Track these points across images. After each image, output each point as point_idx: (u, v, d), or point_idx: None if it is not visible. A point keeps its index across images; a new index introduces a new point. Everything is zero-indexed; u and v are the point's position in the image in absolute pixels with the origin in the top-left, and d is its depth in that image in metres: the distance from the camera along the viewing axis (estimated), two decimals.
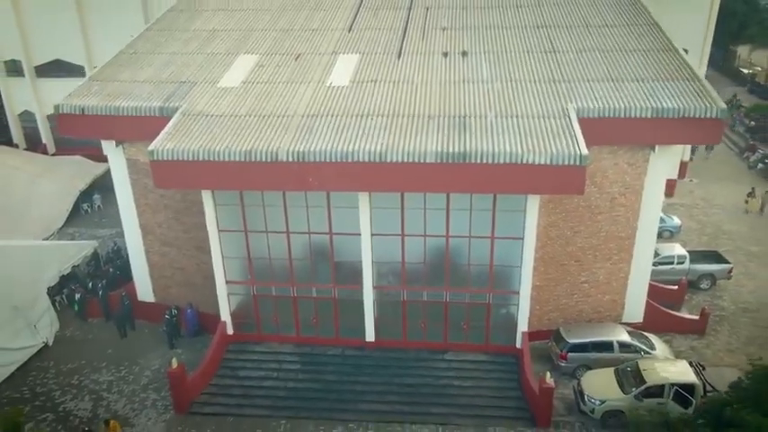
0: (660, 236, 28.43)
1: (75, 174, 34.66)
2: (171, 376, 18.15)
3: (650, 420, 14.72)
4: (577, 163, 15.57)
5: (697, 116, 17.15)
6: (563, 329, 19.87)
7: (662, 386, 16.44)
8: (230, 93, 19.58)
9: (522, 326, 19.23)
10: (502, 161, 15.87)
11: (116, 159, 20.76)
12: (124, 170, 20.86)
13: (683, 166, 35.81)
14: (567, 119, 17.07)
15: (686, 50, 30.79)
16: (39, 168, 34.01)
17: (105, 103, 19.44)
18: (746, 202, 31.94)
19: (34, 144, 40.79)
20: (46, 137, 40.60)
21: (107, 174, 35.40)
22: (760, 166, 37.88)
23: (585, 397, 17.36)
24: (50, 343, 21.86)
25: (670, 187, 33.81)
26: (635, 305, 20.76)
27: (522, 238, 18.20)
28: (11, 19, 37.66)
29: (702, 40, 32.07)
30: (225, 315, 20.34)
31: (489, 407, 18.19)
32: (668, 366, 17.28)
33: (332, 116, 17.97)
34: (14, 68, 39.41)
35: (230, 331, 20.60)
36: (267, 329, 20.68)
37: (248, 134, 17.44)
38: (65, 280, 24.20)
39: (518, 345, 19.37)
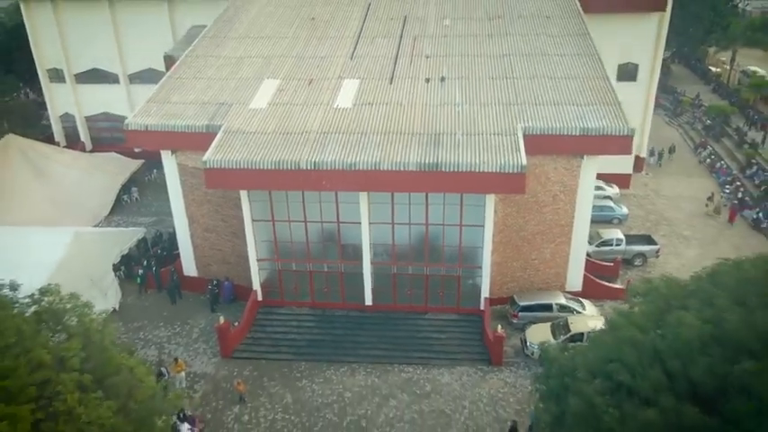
0: (610, 222, 34.58)
1: (115, 169, 40.34)
2: (219, 330, 24.14)
3: (555, 348, 19.77)
4: (518, 171, 21.34)
5: (613, 134, 22.89)
6: (516, 295, 25.82)
7: (582, 333, 22.28)
8: (259, 113, 25.26)
9: (485, 292, 25.17)
10: (464, 170, 21.64)
11: (170, 164, 26.47)
12: (176, 173, 26.58)
13: (640, 162, 41.35)
14: (515, 136, 22.79)
15: (637, 65, 36.66)
16: (85, 165, 39.64)
17: (163, 121, 25.14)
18: (707, 205, 35.91)
19: (73, 142, 46.18)
20: (84, 135, 46.03)
21: (141, 169, 41.39)
22: (708, 160, 43.52)
23: (528, 343, 23.32)
24: (117, 308, 27.77)
25: (626, 181, 39.68)
26: (575, 277, 26.65)
27: (483, 226, 24.04)
28: (54, 33, 42.95)
29: (652, 56, 37.28)
30: (256, 285, 26.27)
31: (458, 352, 24.19)
32: (589, 321, 23.12)
33: (338, 133, 23.68)
34: (57, 76, 44.76)
35: (260, 298, 26.54)
36: (289, 296, 26.66)
37: (275, 148, 23.18)
38: (124, 258, 30.09)
39: (481, 307, 25.31)
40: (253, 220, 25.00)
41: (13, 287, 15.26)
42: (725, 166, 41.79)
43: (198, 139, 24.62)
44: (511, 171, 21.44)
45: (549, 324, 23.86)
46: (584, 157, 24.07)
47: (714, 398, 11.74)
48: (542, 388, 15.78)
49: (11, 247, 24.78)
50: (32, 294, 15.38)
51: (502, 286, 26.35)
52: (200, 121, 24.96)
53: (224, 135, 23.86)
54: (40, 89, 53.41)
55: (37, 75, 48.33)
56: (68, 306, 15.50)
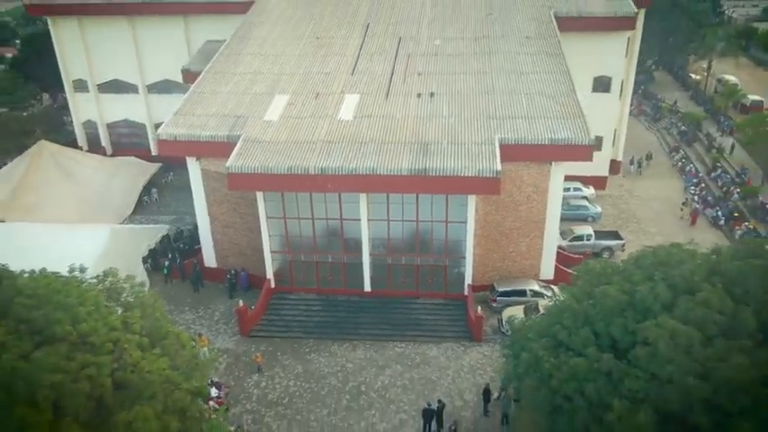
0: (585, 220, 38.46)
1: (135, 172, 44.15)
2: (238, 312, 28.03)
3: (519, 321, 23.07)
4: (494, 176, 25.22)
5: (576, 144, 26.75)
6: (496, 283, 29.68)
7: None
8: (272, 125, 29.12)
9: (468, 280, 29.03)
10: (449, 174, 25.50)
11: (194, 169, 30.29)
12: (199, 176, 30.40)
13: (616, 165, 45.17)
14: (493, 146, 26.64)
15: (611, 77, 40.44)
16: (109, 168, 43.48)
17: (189, 132, 28.99)
18: (681, 209, 39.33)
19: (94, 146, 50.09)
20: (105, 141, 49.89)
21: (158, 172, 45.15)
22: (679, 164, 47.39)
23: (504, 323, 27.17)
24: None
25: (603, 182, 43.52)
26: (547, 267, 30.49)
27: (466, 222, 27.91)
28: (80, 47, 46.77)
29: (624, 69, 41.10)
30: (269, 274, 30.13)
31: (445, 330, 28.07)
32: None
33: (342, 143, 27.54)
34: (81, 86, 48.57)
35: (273, 285, 30.40)
36: (298, 284, 30.54)
37: (287, 155, 27.04)
38: (150, 252, 33.94)
39: (465, 292, 29.17)
40: (267, 218, 28.86)
41: (82, 270, 19.13)
42: (694, 169, 45.63)
43: (219, 148, 28.49)
44: (488, 175, 25.32)
45: (522, 307, 27.67)
46: (553, 163, 27.92)
47: (626, 348, 15.60)
48: (507, 351, 19.64)
49: (58, 241, 28.56)
50: (98, 276, 19.26)
51: (483, 275, 30.17)
52: (221, 132, 28.80)
53: (243, 144, 27.72)
54: (57, 95, 57.12)
55: (54, 82, 52.18)
56: (125, 285, 19.42)
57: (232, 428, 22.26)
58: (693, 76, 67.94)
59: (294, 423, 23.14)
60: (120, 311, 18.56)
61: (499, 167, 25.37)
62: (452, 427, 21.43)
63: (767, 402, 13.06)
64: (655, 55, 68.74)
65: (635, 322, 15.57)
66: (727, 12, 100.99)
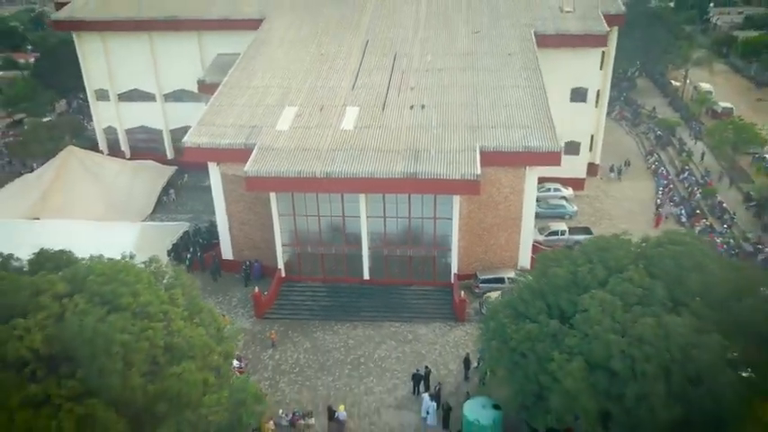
0: (562, 218, 42.71)
1: (154, 174, 48.34)
2: (254, 297, 32.29)
3: (493, 300, 27.47)
4: (474, 179, 29.45)
5: (546, 151, 31.00)
6: (478, 272, 33.93)
7: None
8: (283, 134, 33.34)
9: (454, 269, 33.30)
10: (435, 177, 29.74)
11: (214, 173, 34.48)
12: (219, 179, 34.61)
13: (594, 168, 49.33)
14: (474, 153, 30.88)
15: (587, 88, 44.64)
16: (130, 171, 47.72)
17: (211, 140, 33.22)
18: (655, 213, 43.01)
19: (114, 151, 54.22)
20: (124, 145, 54.08)
21: (174, 174, 49.24)
22: (653, 167, 51.62)
23: (484, 306, 31.39)
24: None
25: (581, 184, 47.73)
26: (524, 258, 34.71)
27: (452, 219, 32.16)
28: (102, 59, 50.93)
29: (600, 81, 45.29)
30: (280, 264, 34.38)
31: (433, 312, 32.33)
32: None
33: (344, 150, 31.77)
34: (102, 95, 52.68)
35: (283, 274, 34.63)
36: (305, 273, 34.79)
37: (297, 161, 31.26)
38: (172, 246, 38.15)
39: (451, 280, 33.42)
40: (279, 215, 33.09)
41: (132, 256, 23.34)
42: (665, 171, 49.88)
43: (237, 154, 32.70)
44: (469, 178, 29.57)
45: (500, 292, 31.84)
46: (527, 167, 32.17)
47: (569, 316, 19.84)
48: (482, 326, 23.90)
49: (97, 236, 32.80)
50: (144, 262, 23.48)
51: (467, 265, 34.39)
52: (238, 140, 33.03)
53: (259, 151, 31.94)
54: (72, 102, 60.91)
55: (71, 89, 55.88)
56: (167, 270, 23.65)
57: None
58: (674, 83, 72.12)
59: (304, 388, 27.42)
60: (164, 290, 22.80)
61: (479, 172, 29.60)
62: (437, 388, 25.69)
63: (666, 351, 17.27)
64: (636, 64, 73.08)
65: (577, 295, 19.83)
66: (712, 19, 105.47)
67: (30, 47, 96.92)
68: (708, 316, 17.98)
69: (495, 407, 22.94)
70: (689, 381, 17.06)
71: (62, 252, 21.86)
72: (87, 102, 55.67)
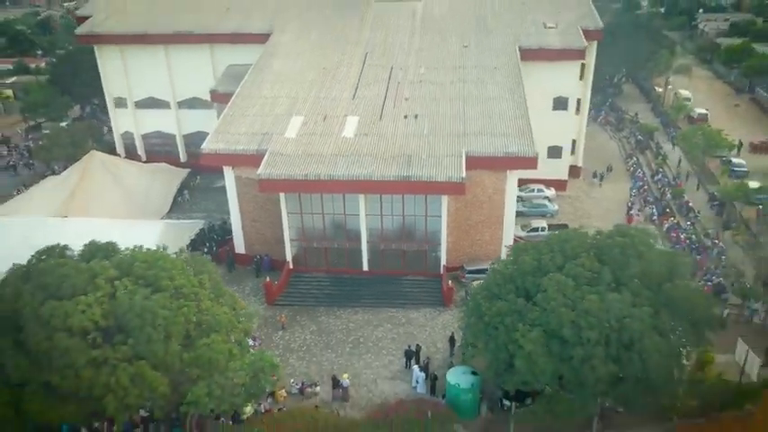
0: (544, 216, 46.75)
1: (170, 176, 52.32)
2: (266, 286, 36.37)
3: (476, 286, 31.63)
4: (460, 181, 33.50)
5: (524, 156, 35.05)
6: (465, 264, 37.97)
7: None
8: (291, 141, 37.40)
9: (443, 261, 37.36)
10: (426, 180, 33.79)
11: (229, 176, 38.54)
12: (233, 181, 38.66)
13: (576, 170, 53.31)
14: (460, 158, 34.93)
15: (567, 98, 48.57)
16: (147, 173, 51.67)
17: (227, 147, 37.28)
18: (637, 215, 46.49)
19: (130, 154, 58.24)
20: (140, 149, 58.11)
21: (188, 176, 53.20)
22: (631, 169, 55.62)
23: (469, 294, 35.39)
24: None
25: (563, 185, 51.73)
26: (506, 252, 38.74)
27: (441, 217, 36.23)
28: (120, 69, 55.03)
29: (580, 91, 49.29)
30: (289, 257, 38.44)
31: (424, 299, 36.39)
32: None
33: (345, 155, 35.80)
34: (121, 102, 56.76)
35: (291, 266, 38.69)
36: (311, 265, 38.85)
37: (304, 165, 35.30)
38: (190, 242, 42.16)
39: (441, 271, 37.48)
40: (288, 213, 37.16)
41: (164, 248, 27.38)
42: (642, 173, 53.92)
43: (249, 159, 36.73)
44: (455, 181, 33.62)
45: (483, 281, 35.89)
46: (508, 170, 36.23)
47: (533, 295, 23.88)
48: (464, 308, 27.96)
49: (123, 232, 36.77)
50: (175, 252, 27.53)
51: (455, 257, 38.41)
52: (251, 146, 37.09)
53: (270, 156, 36.01)
54: (86, 107, 64.70)
55: (87, 95, 59.19)
56: (192, 259, 27.71)
57: None
58: (657, 89, 76.08)
59: (311, 363, 31.50)
60: (193, 275, 26.85)
61: (464, 175, 33.65)
62: (425, 362, 29.78)
63: (606, 322, 21.33)
64: (622, 71, 77.11)
65: (539, 278, 23.89)
66: (700, 25, 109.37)
67: (39, 51, 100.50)
68: (643, 294, 22.06)
69: (474, 374, 27.01)
70: (623, 345, 21.13)
71: (109, 243, 25.96)
72: (100, 107, 59.50)
